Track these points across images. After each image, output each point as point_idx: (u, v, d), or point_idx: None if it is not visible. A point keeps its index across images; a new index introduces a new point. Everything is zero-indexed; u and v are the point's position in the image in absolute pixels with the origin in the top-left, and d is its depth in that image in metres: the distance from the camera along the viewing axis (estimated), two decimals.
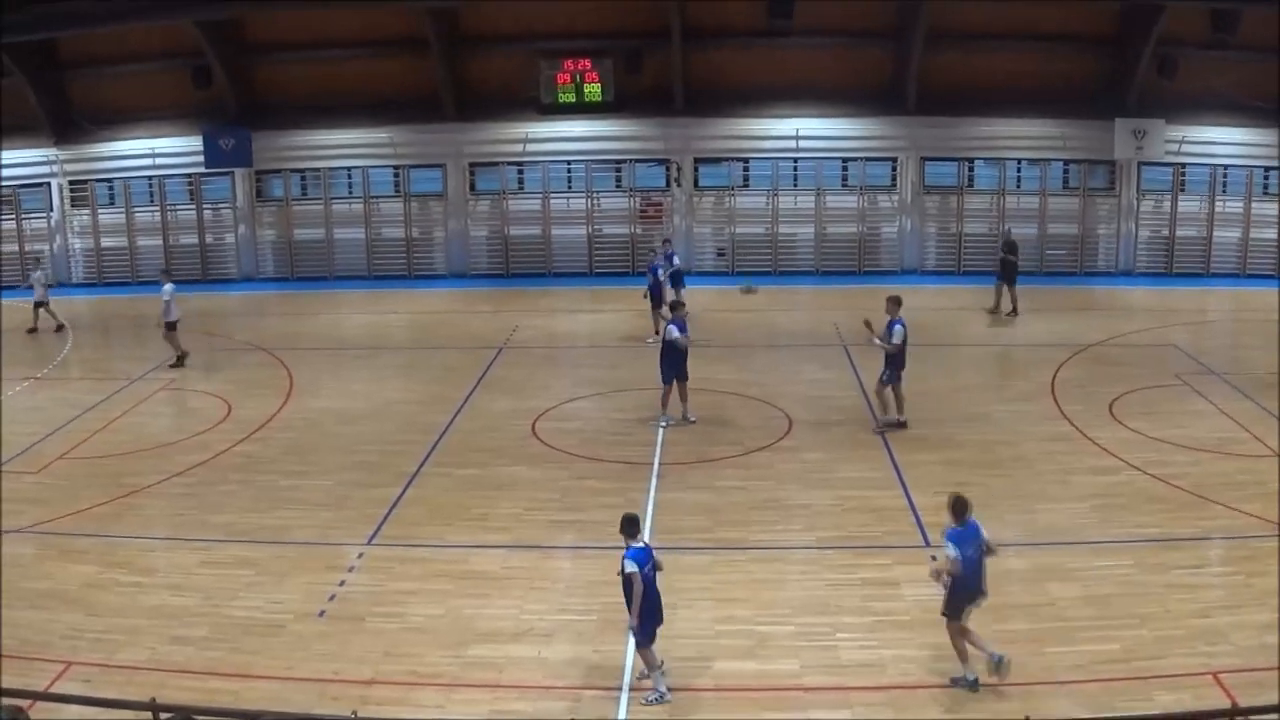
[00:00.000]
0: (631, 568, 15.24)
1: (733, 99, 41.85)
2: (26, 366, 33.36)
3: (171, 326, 33.05)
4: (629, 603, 15.30)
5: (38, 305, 38.77)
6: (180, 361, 32.91)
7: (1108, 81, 40.72)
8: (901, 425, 25.43)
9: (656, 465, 23.73)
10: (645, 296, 34.49)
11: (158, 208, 45.84)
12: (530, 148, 43.06)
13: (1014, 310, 35.83)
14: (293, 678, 16.32)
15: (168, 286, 33.22)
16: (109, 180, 46.42)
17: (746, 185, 43.24)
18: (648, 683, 15.67)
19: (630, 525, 15.70)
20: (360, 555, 20.17)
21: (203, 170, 44.91)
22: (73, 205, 46.46)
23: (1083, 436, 24.88)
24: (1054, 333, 33.58)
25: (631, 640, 16.22)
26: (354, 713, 13.06)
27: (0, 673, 15.91)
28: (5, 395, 30.58)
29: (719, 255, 43.07)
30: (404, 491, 22.94)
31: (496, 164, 43.69)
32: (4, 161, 46.02)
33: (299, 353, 33.95)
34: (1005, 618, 16.99)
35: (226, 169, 44.95)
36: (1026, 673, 15.57)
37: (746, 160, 42.93)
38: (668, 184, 43.14)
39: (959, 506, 15.64)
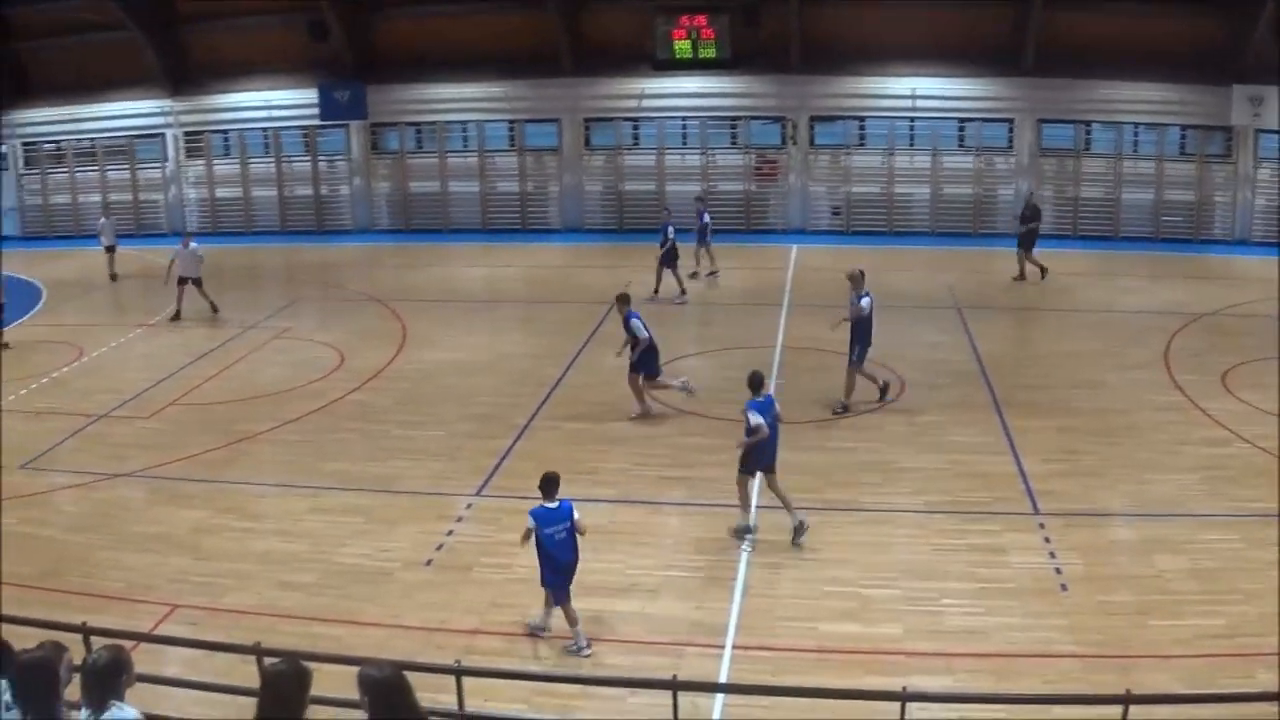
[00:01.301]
0: (530, 522, 15.92)
1: (849, 56, 41.51)
2: (140, 313, 33.95)
3: (199, 282, 33.73)
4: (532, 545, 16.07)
5: (109, 249, 39.55)
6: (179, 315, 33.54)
7: (1226, 45, 39.85)
8: (845, 410, 24.44)
9: None
10: (658, 256, 34.51)
11: (273, 159, 46.40)
12: (645, 104, 43.04)
13: (1023, 274, 35.43)
14: (399, 625, 16.55)
15: (193, 245, 34.09)
16: (224, 132, 47.04)
17: (862, 144, 42.96)
18: (752, 642, 15.75)
19: (546, 484, 16.16)
20: (469, 506, 20.37)
21: (318, 123, 45.41)
22: (187, 156, 47.15)
23: (1194, 407, 24.48)
24: (1169, 300, 33.06)
25: (736, 599, 16.32)
26: (458, 661, 13.20)
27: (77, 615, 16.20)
28: (121, 339, 31.11)
29: (834, 214, 42.85)
30: (514, 444, 23.11)
31: (611, 119, 43.73)
32: (120, 112, 46.73)
33: (413, 304, 34.27)
34: (1111, 589, 16.84)
35: (342, 122, 45.39)
36: (1130, 646, 15.40)
37: (862, 119, 42.64)
38: (783, 142, 42.95)
39: (755, 381, 18.88)
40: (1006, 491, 20.34)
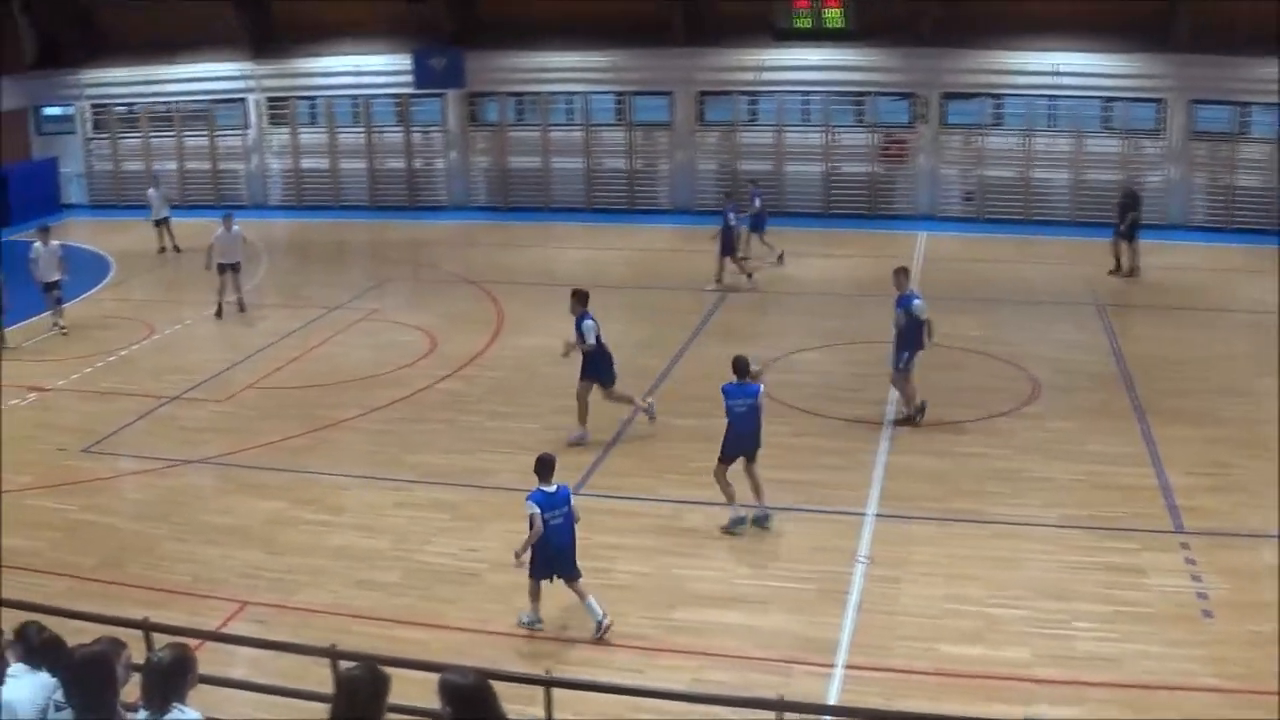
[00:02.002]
0: (531, 508, 16.04)
1: (986, 28, 41.00)
2: (217, 291, 34.21)
3: (237, 268, 32.95)
4: (527, 540, 16.19)
5: (159, 223, 39.80)
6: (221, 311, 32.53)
7: None
8: (914, 420, 23.58)
9: (889, 426, 23.46)
10: (713, 239, 34.33)
11: (363, 129, 46.71)
12: (764, 77, 42.82)
13: (1134, 269, 34.72)
14: (485, 630, 16.47)
15: (236, 227, 33.30)
16: (310, 98, 47.44)
17: (998, 124, 42.49)
18: (862, 660, 15.55)
19: (542, 467, 16.36)
20: None
21: (412, 91, 45.63)
22: (271, 123, 47.55)
23: None
24: None
25: (850, 614, 16.15)
26: (548, 671, 13.12)
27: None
28: (195, 317, 31.36)
29: (966, 199, 42.40)
30: (615, 439, 23.03)
31: (728, 93, 43.58)
32: (198, 74, 47.15)
33: (510, 287, 34.31)
34: (1259, 617, 16.35)
35: (437, 90, 45.58)
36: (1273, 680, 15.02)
37: (999, 96, 42.16)
38: (912, 120, 42.56)
39: (740, 366, 19.32)
40: (1147, 507, 19.92)
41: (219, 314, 32.03)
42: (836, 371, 26.44)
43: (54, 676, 9.28)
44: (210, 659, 12.88)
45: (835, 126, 43.15)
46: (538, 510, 16.08)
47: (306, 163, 47.53)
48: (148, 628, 13.07)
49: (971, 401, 24.65)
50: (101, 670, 8.72)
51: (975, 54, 41.36)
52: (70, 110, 50.12)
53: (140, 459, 23.00)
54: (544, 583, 16.43)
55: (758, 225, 36.21)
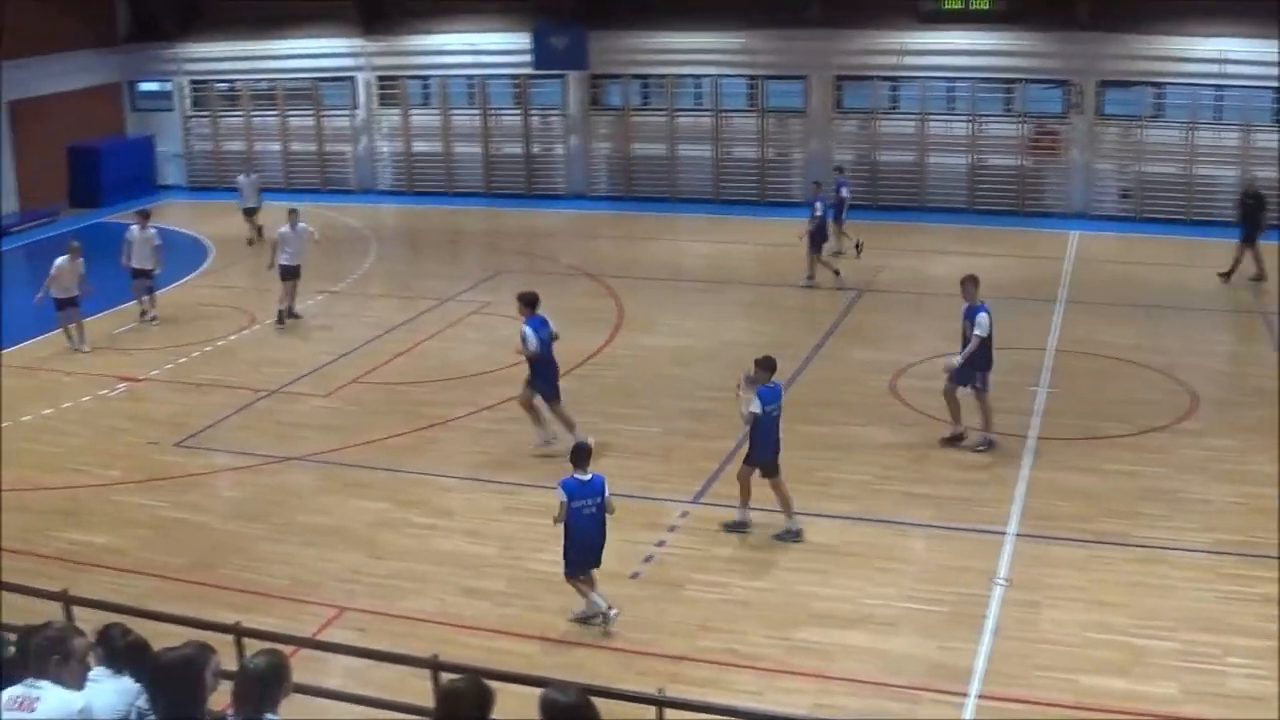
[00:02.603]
0: (561, 495, 16.69)
1: (1148, 12, 40.49)
2: (323, 279, 34.56)
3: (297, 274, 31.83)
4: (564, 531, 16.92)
5: (249, 212, 39.94)
6: (283, 318, 31.70)
7: None
8: (989, 445, 22.95)
9: (1033, 439, 23.26)
10: (801, 238, 34.24)
11: (478, 111, 46.99)
12: (907, 61, 42.61)
13: (1259, 274, 33.99)
14: (596, 645, 16.58)
15: (303, 224, 32.33)
16: (423, 78, 47.77)
17: (1159, 116, 41.98)
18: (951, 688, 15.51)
19: (578, 454, 17.07)
20: (684, 514, 20.42)
21: (531, 72, 45.79)
22: (381, 104, 47.91)
23: None
24: None
25: (985, 640, 16.08)
26: (661, 690, 13.16)
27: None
28: (298, 306, 31.72)
29: (1123, 197, 41.92)
30: (737, 446, 23.00)
31: (867, 78, 43.38)
32: (305, 50, 47.60)
33: (631, 282, 34.41)
34: None
35: (558, 72, 45.73)
36: None
37: (1160, 86, 41.62)
38: (1065, 110, 42.18)
39: (768, 364, 19.46)
40: None
41: (283, 319, 31.24)
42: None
43: (137, 681, 9.41)
44: (305, 667, 13.04)
45: (982, 116, 42.84)
46: (566, 499, 16.68)
47: (418, 146, 47.90)
48: (239, 633, 13.29)
49: (1123, 415, 24.39)
50: (190, 675, 8.79)
51: (1135, 39, 40.84)
52: (168, 86, 50.82)
53: (236, 455, 23.35)
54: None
55: (837, 215, 36.06)
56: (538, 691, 9.05)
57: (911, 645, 16.48)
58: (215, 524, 20.53)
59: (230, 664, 9.79)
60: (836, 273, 33.78)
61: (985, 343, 22.81)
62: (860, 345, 28.51)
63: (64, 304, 29.56)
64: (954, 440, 23.11)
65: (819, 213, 33.93)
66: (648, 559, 18.86)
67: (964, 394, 23.05)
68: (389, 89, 47.98)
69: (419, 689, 13.01)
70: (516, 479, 21.75)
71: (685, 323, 30.59)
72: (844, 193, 36.44)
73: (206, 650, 9.00)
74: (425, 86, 48.35)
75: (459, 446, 23.47)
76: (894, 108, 44.18)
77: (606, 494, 16.89)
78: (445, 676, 12.71)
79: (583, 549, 16.92)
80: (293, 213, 32.36)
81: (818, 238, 33.90)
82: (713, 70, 44.67)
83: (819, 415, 24.30)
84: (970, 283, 23.32)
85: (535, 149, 46.98)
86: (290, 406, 25.85)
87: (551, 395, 23.13)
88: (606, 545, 17.06)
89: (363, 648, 15.33)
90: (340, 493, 21.49)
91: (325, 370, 27.64)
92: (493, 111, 47.18)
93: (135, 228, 31.84)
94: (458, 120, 47.51)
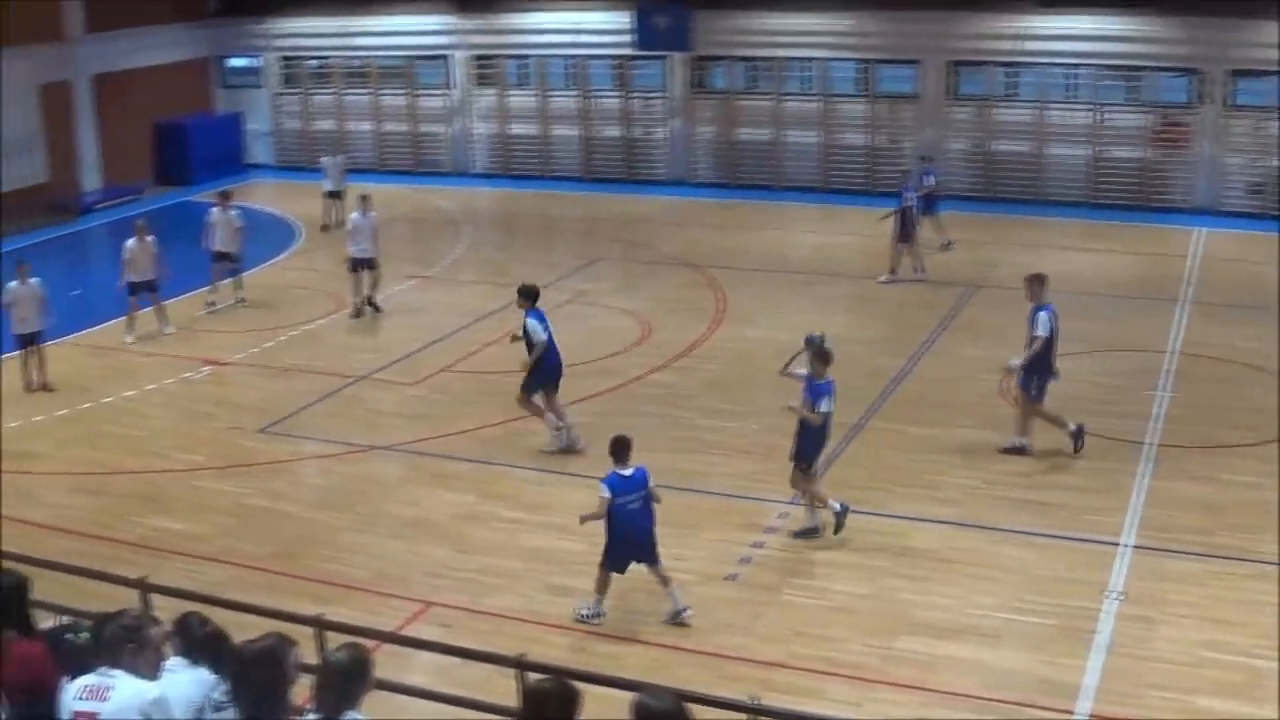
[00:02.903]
0: (604, 492, 16.90)
1: None
2: (412, 263, 34.75)
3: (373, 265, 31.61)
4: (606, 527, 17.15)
5: (330, 195, 39.76)
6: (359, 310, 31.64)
7: None
8: (1021, 450, 22.76)
9: (1151, 445, 23.03)
10: (883, 217, 34.48)
11: (577, 93, 47.02)
12: (1026, 46, 42.28)
13: None
14: (686, 648, 16.59)
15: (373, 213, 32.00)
16: (520, 57, 47.88)
17: None
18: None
19: (618, 448, 17.24)
20: (783, 516, 20.35)
21: (632, 53, 45.79)
22: (476, 84, 48.05)
23: None
24: None
25: (1096, 655, 15.96)
26: (754, 698, 13.13)
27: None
28: (389, 292, 31.93)
29: (1253, 192, 41.35)
30: (844, 446, 22.95)
31: (983, 64, 43.08)
32: (399, 28, 47.82)
33: (733, 272, 34.37)
34: None
35: (660, 53, 45.67)
36: None
37: None
38: (1193, 100, 41.70)
39: (825, 356, 19.70)
40: None
41: (357, 313, 31.13)
42: (1091, 381, 25.97)
43: (215, 673, 9.43)
44: (387, 662, 13.10)
45: (1104, 105, 42.42)
46: (609, 495, 16.86)
47: (515, 128, 48.05)
48: (321, 625, 13.34)
49: (1247, 423, 24.04)
50: (272, 667, 8.84)
51: (1270, 25, 40.28)
52: (257, 62, 51.28)
53: (322, 442, 23.54)
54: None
55: (929, 207, 35.80)
56: (623, 694, 9.07)
57: (1016, 659, 16.36)
58: (298, 513, 20.70)
59: (310, 657, 9.86)
60: (921, 269, 33.62)
61: (1047, 346, 22.44)
62: (972, 343, 28.32)
63: (138, 288, 29.76)
64: (1016, 450, 22.69)
65: (910, 202, 33.86)
66: (744, 560, 18.86)
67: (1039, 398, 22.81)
68: (485, 69, 48.17)
69: (504, 688, 13.02)
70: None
71: (788, 316, 30.45)
72: (930, 181, 36.14)
73: (287, 642, 9.05)
74: (522, 67, 48.48)
75: (550, 439, 23.50)
76: (1012, 95, 43.82)
77: (651, 484, 17.09)
78: (532, 676, 12.78)
79: (628, 545, 17.11)
80: (364, 199, 32.23)
81: (906, 229, 33.73)
82: (821, 53, 44.50)
83: (926, 416, 24.18)
84: (1035, 281, 22.98)
85: (635, 132, 47.02)
86: (378, 394, 26.01)
87: (551, 390, 23.33)
88: (670, 541, 17.16)
89: (447, 645, 15.36)
90: (427, 484, 21.61)
91: (414, 357, 27.78)
92: (592, 93, 47.26)
93: (216, 209, 32.10)
94: (555, 102, 47.63)
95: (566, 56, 47.33)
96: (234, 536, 19.91)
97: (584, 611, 17.33)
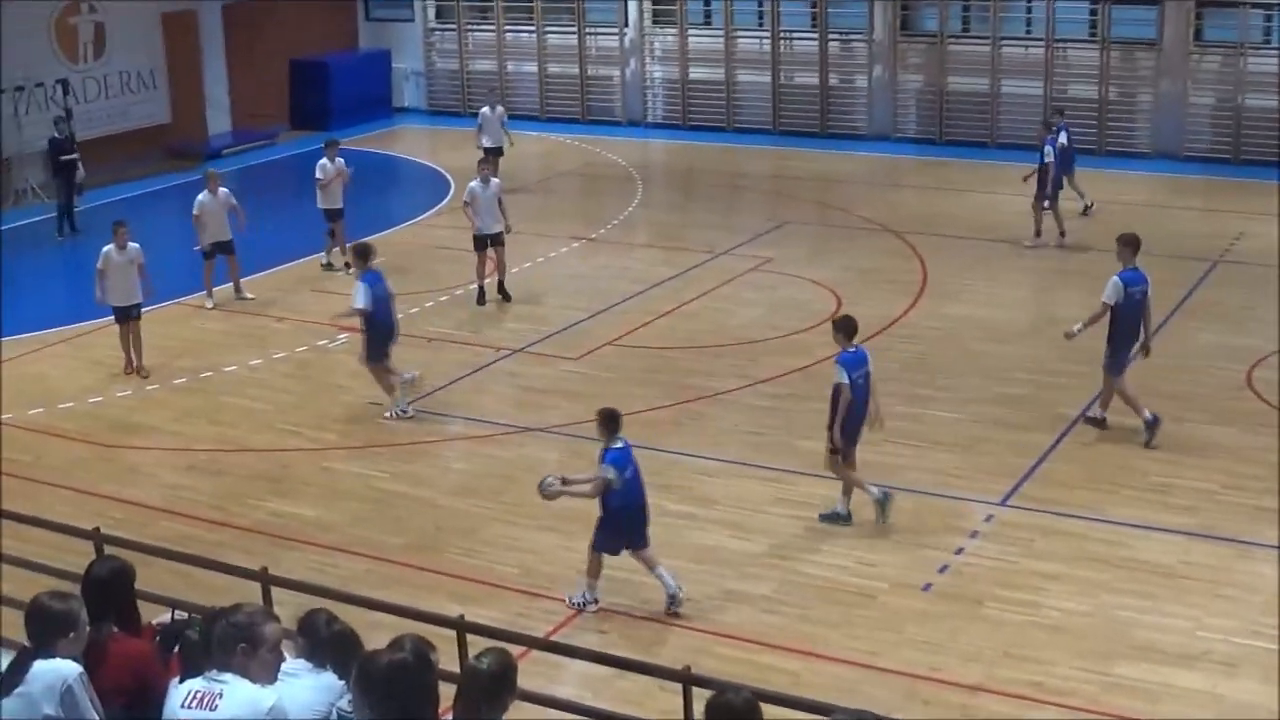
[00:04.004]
0: (611, 473, 17.45)
1: None
2: (576, 222, 34.91)
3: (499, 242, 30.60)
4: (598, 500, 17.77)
5: (490, 152, 37.08)
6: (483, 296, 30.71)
7: None
8: (1100, 422, 23.35)
9: None
10: (1026, 176, 34.29)
11: (767, 33, 46.78)
12: None
13: None
14: (874, 666, 16.54)
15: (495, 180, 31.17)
16: None
17: None
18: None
19: (609, 421, 17.89)
20: (989, 518, 20.24)
21: None
22: (654, 21, 47.96)
23: None
24: None
25: None
26: None
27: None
28: (550, 254, 32.14)
29: None
30: (1059, 441, 22.77)
31: (1235, 5, 42.31)
32: None
33: (939, 240, 34.14)
34: None
35: None
36: None
37: None
38: None
39: (849, 328, 20.34)
40: None
41: (480, 299, 30.27)
42: None
43: (341, 679, 9.45)
44: (533, 670, 13.21)
45: None
46: (615, 473, 17.53)
47: (696, 72, 47.90)
48: (462, 627, 13.44)
49: None
50: (417, 684, 8.60)
51: None
52: None
53: (469, 421, 23.72)
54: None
55: (1065, 166, 35.28)
56: (804, 717, 9.03)
57: (1256, 691, 16.13)
58: (440, 500, 20.88)
59: (449, 663, 9.89)
60: (1062, 233, 33.27)
61: (1121, 316, 22.78)
62: (1210, 327, 27.86)
63: (214, 250, 29.91)
64: (1095, 422, 23.35)
65: (1049, 158, 33.63)
66: (943, 569, 18.76)
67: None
68: (664, 4, 48.10)
69: (667, 705, 13.08)
70: (792, 465, 21.76)
71: (1000, 291, 30.25)
72: (1063, 137, 35.62)
73: (430, 650, 8.92)
74: (707, 3, 48.41)
75: (727, 424, 23.55)
76: (1266, 42, 43.04)
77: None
78: (698, 691, 12.77)
79: (627, 523, 17.76)
80: (483, 163, 31.61)
81: (1047, 188, 33.59)
82: None
83: (1155, 408, 23.79)
84: (1122, 243, 23.46)
85: (833, 80, 46.69)
86: (534, 369, 26.15)
87: (379, 356, 23.84)
88: (858, 545, 17.24)
89: (604, 653, 15.48)
90: (587, 471, 21.65)
91: (577, 329, 27.87)
92: (784, 34, 46.99)
93: (325, 160, 32.28)
94: (743, 43, 47.40)
95: None
96: (367, 525, 20.12)
97: (576, 600, 17.80)
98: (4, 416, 24.26)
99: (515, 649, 11.11)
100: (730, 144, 45.62)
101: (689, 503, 20.63)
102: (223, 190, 29.97)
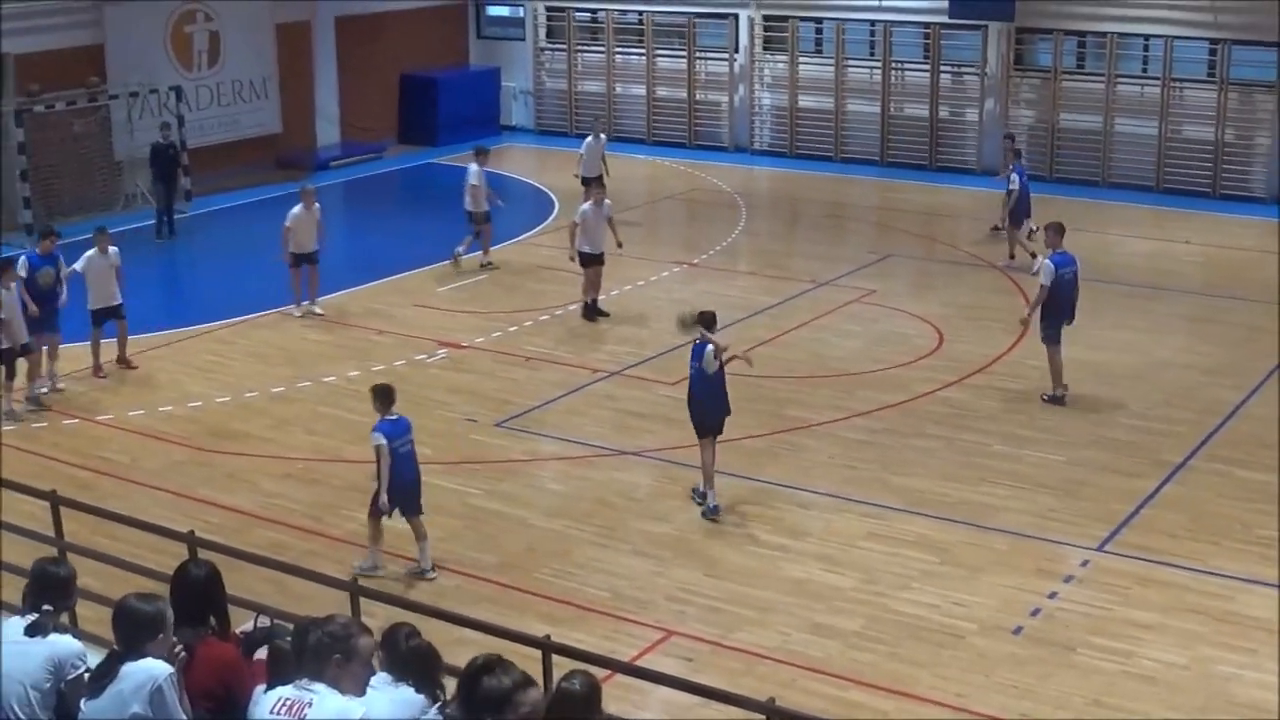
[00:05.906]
0: (378, 439, 18.92)
1: None
2: (679, 247, 34.90)
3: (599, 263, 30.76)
4: (379, 476, 19.04)
5: (588, 183, 35.53)
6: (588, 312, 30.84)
7: None
8: (1059, 400, 25.91)
9: None
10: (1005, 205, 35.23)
11: (878, 63, 46.65)
12: None
13: None
14: (963, 708, 16.44)
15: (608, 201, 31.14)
16: (816, 20, 47.68)
17: None
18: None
19: (382, 395, 19.45)
20: (1085, 563, 20.05)
21: (945, 20, 45.27)
22: (765, 48, 47.95)
23: None
24: None
25: None
26: None
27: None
28: (652, 278, 32.23)
29: None
30: (1161, 486, 22.55)
31: None
32: None
33: None
34: None
35: (979, 21, 45.10)
36: None
37: None
38: None
39: (707, 318, 22.02)
40: None
41: (586, 314, 30.47)
42: None
43: (418, 694, 9.47)
44: (617, 694, 13.17)
45: None
46: (385, 441, 18.91)
47: (805, 100, 47.80)
48: (548, 648, 13.41)
49: None
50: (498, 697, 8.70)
51: None
52: (520, 12, 51.69)
53: (565, 442, 23.73)
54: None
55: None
56: None
57: None
58: (533, 520, 20.90)
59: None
60: (1033, 256, 32.95)
61: (1054, 294, 25.77)
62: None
63: (299, 260, 30.23)
64: (1054, 400, 25.94)
65: (1014, 186, 34.73)
66: (1035, 612, 18.60)
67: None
68: (776, 31, 48.01)
69: None
70: (886, 500, 21.65)
71: (1108, 333, 29.99)
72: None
73: (506, 666, 8.86)
74: (818, 31, 48.30)
75: (822, 456, 23.48)
76: None
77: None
78: None
79: (404, 489, 19.22)
80: (593, 186, 31.96)
81: (1018, 213, 34.82)
82: (1166, 29, 43.51)
83: (1263, 459, 23.54)
84: (1051, 230, 26.72)
85: (943, 112, 46.49)
86: (632, 392, 26.14)
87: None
88: (950, 585, 16.92)
89: (689, 681, 15.34)
90: (680, 497, 21.66)
91: (675, 354, 27.77)
92: (896, 64, 46.82)
93: (474, 166, 32.81)
94: (853, 73, 47.29)
95: (870, 21, 47.01)
96: (458, 541, 20.17)
97: (362, 566, 19.08)
98: (104, 418, 24.56)
99: (600, 672, 11.08)
100: (837, 174, 45.51)
101: (781, 534, 20.57)
102: (316, 205, 30.42)
